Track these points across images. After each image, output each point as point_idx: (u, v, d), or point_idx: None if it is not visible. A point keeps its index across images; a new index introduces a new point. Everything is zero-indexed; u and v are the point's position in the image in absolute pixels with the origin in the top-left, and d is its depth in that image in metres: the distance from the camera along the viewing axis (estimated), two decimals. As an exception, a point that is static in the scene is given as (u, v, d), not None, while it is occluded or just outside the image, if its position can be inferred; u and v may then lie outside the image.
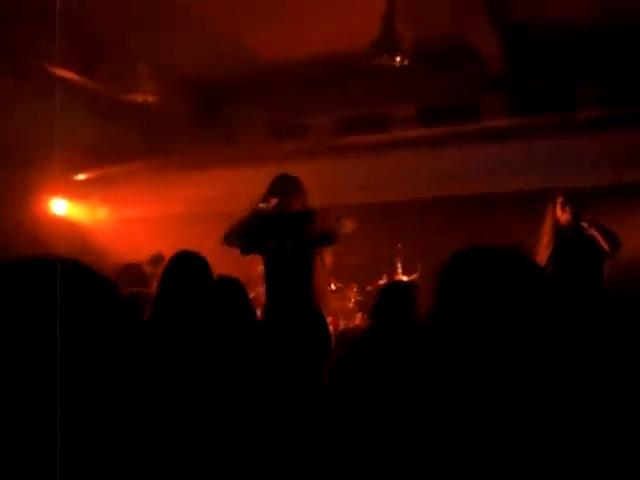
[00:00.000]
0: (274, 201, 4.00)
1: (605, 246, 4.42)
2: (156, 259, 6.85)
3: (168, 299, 2.87)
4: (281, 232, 4.00)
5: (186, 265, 2.94)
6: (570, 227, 4.52)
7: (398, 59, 5.17)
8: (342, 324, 6.39)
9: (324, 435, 1.98)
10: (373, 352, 2.69)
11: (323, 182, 7.26)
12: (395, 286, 3.65)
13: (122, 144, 7.89)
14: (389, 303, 2.89)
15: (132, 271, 6.75)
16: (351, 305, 6.59)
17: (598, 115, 6.42)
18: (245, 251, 4.16)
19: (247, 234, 4.06)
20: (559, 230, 4.55)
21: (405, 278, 5.81)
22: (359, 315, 6.50)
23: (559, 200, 4.58)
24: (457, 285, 1.20)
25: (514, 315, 1.13)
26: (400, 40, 5.09)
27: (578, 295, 4.35)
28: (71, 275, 0.78)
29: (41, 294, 0.74)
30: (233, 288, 3.37)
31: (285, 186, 4.06)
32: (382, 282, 5.95)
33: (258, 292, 5.84)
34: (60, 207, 8.95)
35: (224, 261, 3.63)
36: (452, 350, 1.16)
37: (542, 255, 4.52)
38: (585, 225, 4.45)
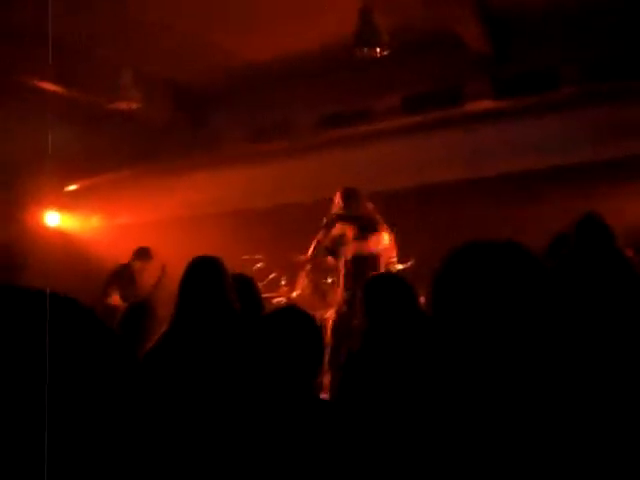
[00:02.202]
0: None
1: None
2: (141, 252, 6.94)
3: (188, 307, 2.85)
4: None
5: (204, 270, 2.93)
6: None
7: (378, 50, 5.18)
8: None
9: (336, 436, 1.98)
10: (386, 351, 2.65)
11: (311, 177, 7.29)
12: (385, 277, 3.62)
13: (109, 153, 7.89)
14: (388, 295, 2.85)
15: (122, 273, 6.84)
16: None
17: (581, 91, 6.42)
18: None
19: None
20: None
21: (400, 267, 5.82)
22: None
23: None
24: (457, 281, 1.20)
25: (516, 307, 1.13)
26: (379, 32, 5.09)
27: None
28: (66, 314, 0.78)
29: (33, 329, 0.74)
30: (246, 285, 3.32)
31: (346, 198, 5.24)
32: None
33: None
34: (53, 219, 8.99)
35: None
36: (457, 344, 1.17)
37: None
38: None
